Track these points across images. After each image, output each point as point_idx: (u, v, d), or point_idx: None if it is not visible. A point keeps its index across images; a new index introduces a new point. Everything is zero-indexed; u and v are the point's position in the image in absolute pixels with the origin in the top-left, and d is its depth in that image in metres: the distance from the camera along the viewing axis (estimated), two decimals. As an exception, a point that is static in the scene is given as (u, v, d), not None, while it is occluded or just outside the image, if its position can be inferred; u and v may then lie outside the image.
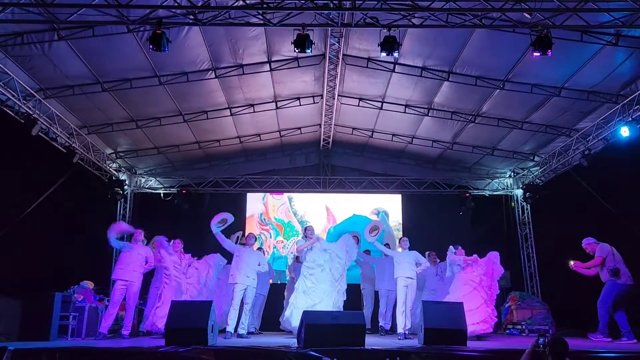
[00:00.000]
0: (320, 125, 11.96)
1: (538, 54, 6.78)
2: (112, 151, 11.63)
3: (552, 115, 9.84)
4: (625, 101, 8.59)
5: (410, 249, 8.59)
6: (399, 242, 8.74)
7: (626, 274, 7.33)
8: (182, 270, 8.08)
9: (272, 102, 10.66)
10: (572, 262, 7.90)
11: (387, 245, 10.19)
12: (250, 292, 8.12)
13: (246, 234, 8.94)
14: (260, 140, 12.29)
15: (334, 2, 6.63)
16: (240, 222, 13.10)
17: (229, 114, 10.66)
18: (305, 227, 8.78)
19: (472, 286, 7.93)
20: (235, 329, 7.93)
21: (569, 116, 9.76)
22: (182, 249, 8.37)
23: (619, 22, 6.67)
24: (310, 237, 8.30)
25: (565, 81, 8.66)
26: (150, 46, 6.76)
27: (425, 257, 8.95)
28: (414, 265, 8.40)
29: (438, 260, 9.65)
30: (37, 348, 5.13)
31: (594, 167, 9.64)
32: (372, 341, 6.32)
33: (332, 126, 11.90)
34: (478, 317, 7.66)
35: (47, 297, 7.52)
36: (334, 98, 10.45)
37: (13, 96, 7.98)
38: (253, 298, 8.33)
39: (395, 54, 7.21)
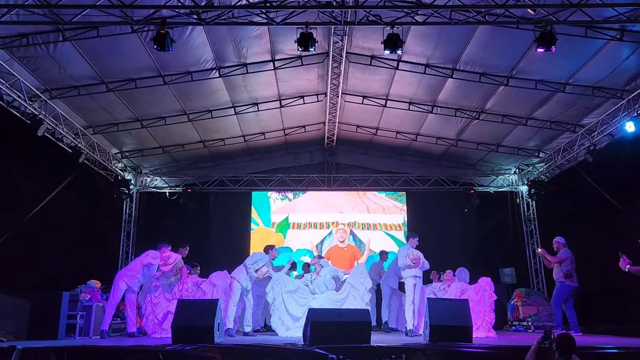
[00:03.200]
0: (324, 123, 11.97)
1: (542, 50, 6.78)
2: (118, 151, 11.68)
3: (557, 111, 9.81)
4: (630, 96, 8.56)
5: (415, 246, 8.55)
6: (408, 240, 8.69)
7: (575, 277, 8.53)
8: (189, 295, 8.06)
9: (276, 100, 10.68)
10: (539, 250, 9.21)
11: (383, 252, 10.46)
12: (248, 294, 8.23)
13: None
14: (265, 138, 12.31)
15: (337, 0, 6.63)
16: (245, 221, 13.15)
17: (234, 113, 10.68)
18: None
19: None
20: (234, 325, 8.03)
21: (574, 112, 9.73)
22: (190, 272, 8.40)
23: (623, 16, 6.64)
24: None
25: (569, 77, 8.63)
26: (155, 46, 6.80)
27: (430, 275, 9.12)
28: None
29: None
30: (45, 347, 5.17)
31: (599, 162, 9.61)
32: (377, 338, 6.33)
33: (337, 124, 11.90)
34: None
35: (54, 297, 7.59)
36: (337, 96, 10.44)
37: (19, 97, 8.03)
38: (251, 298, 8.43)
39: (399, 52, 7.22)
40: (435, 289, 8.43)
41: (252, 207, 12.60)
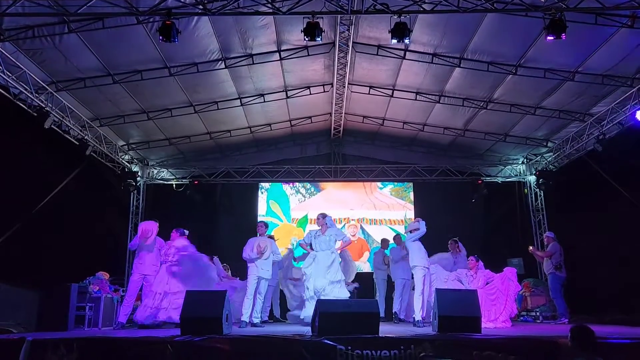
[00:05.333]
0: (330, 114, 11.91)
1: (552, 37, 6.70)
2: (124, 143, 11.70)
3: (566, 100, 9.71)
4: (640, 84, 8.46)
5: (422, 238, 8.47)
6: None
7: (564, 269, 9.17)
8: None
9: (282, 91, 10.63)
10: (530, 248, 10.09)
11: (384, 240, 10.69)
12: (263, 283, 8.20)
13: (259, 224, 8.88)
14: (271, 130, 12.28)
15: (344, -11, 6.58)
16: (252, 212, 13.16)
17: (240, 104, 10.65)
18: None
19: (490, 301, 7.81)
20: (250, 318, 8.03)
21: (583, 101, 9.63)
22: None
23: (634, 3, 6.53)
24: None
25: (579, 65, 8.53)
26: (160, 37, 6.78)
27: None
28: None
29: (460, 251, 9.55)
30: (55, 338, 5.19)
31: (608, 152, 9.51)
32: (386, 329, 6.32)
33: (343, 115, 11.84)
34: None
35: (63, 289, 7.64)
36: (344, 86, 10.38)
37: (25, 89, 8.03)
38: (266, 289, 8.42)
39: (406, 41, 7.15)
40: (462, 276, 8.33)
41: (277, 204, 13.36)
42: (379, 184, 13.54)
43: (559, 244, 9.41)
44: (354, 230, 12.83)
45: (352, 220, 13.05)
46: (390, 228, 12.99)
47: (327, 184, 13.51)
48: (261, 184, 13.50)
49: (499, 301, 7.77)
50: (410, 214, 13.15)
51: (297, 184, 13.54)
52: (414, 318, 8.11)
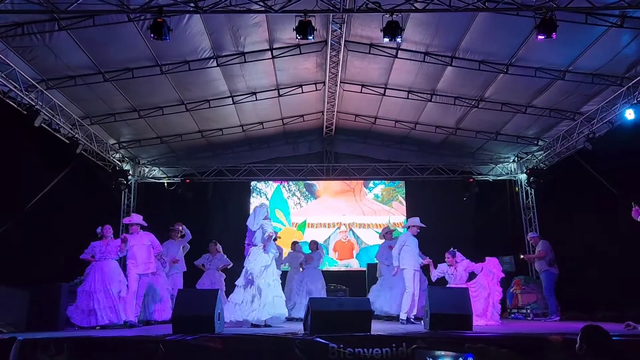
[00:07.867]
0: (322, 112, 11.91)
1: (542, 37, 6.74)
2: (115, 141, 11.62)
3: (556, 99, 9.77)
4: (630, 83, 8.52)
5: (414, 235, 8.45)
6: (408, 229, 8.55)
7: (555, 265, 9.19)
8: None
9: (274, 89, 10.61)
10: (522, 256, 10.26)
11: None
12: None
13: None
14: (263, 128, 12.25)
15: (336, -13, 6.57)
16: (243, 211, 13.14)
17: (231, 103, 10.62)
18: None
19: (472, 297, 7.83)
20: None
21: (574, 99, 9.69)
22: None
23: (624, 2, 6.59)
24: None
25: (569, 64, 8.57)
26: (152, 35, 6.74)
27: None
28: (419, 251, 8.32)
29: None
30: (45, 338, 5.16)
31: (598, 150, 9.58)
32: (378, 327, 6.34)
33: (335, 113, 11.84)
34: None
35: (53, 288, 7.57)
36: (336, 85, 10.38)
37: (15, 87, 7.95)
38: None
39: (398, 39, 7.16)
40: (444, 271, 8.30)
41: (280, 212, 13.97)
42: (369, 183, 13.78)
43: (547, 241, 9.49)
44: (344, 233, 13.65)
45: (344, 224, 13.80)
46: (376, 231, 13.32)
47: (322, 192, 13.90)
48: (259, 187, 13.75)
49: (481, 294, 7.78)
50: (394, 218, 13.65)
51: (293, 188, 13.77)
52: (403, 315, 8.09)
